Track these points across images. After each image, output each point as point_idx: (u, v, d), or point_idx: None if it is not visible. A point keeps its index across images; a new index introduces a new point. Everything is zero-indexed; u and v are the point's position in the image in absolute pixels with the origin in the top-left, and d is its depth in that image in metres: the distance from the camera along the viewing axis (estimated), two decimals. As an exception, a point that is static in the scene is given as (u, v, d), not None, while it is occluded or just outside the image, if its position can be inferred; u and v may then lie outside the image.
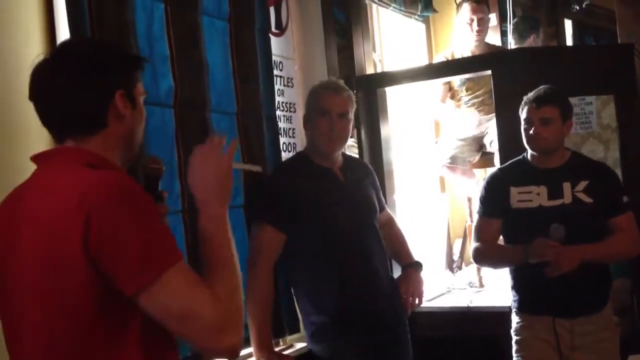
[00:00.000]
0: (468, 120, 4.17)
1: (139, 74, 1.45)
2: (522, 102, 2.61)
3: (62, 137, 1.39)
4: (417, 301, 2.67)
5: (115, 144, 1.40)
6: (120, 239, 1.21)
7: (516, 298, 2.66)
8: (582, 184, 2.54)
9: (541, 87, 2.61)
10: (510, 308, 2.72)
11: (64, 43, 1.46)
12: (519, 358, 2.61)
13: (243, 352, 2.53)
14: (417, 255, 2.84)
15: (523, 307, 2.63)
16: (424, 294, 2.73)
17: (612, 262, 2.65)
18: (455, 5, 4.65)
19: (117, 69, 1.40)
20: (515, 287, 2.66)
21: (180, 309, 1.24)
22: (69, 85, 1.35)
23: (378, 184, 2.74)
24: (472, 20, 4.19)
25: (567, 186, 2.55)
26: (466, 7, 4.21)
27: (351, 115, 2.53)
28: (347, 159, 2.67)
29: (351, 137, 2.75)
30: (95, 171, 1.30)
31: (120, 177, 1.29)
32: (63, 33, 2.02)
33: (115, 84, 1.38)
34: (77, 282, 1.23)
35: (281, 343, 2.81)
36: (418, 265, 2.72)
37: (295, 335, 2.78)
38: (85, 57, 1.37)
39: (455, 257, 4.33)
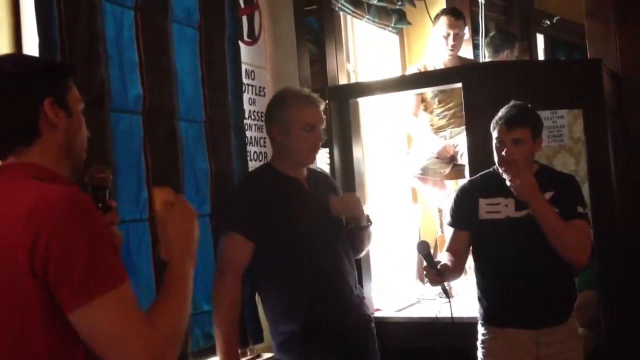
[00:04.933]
0: (436, 141, 4.20)
1: (70, 82, 1.45)
2: (494, 121, 2.58)
3: (2, 154, 1.40)
4: (345, 206, 2.54)
5: (55, 153, 1.41)
6: (66, 258, 1.22)
7: (482, 310, 2.67)
8: (547, 195, 2.56)
9: (512, 104, 2.59)
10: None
11: None
12: None
13: (209, 362, 2.52)
14: (387, 266, 2.84)
15: (488, 319, 2.64)
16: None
17: (554, 245, 2.48)
18: (428, 18, 4.69)
19: (42, 78, 1.40)
20: (481, 298, 2.68)
21: (108, 333, 1.25)
22: None
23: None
24: (448, 34, 4.19)
25: (532, 197, 2.57)
26: (443, 20, 4.20)
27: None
28: (310, 170, 2.66)
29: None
30: (44, 185, 1.30)
31: (71, 193, 1.29)
32: (31, 40, 1.99)
33: (43, 93, 1.38)
34: (25, 299, 1.24)
35: (248, 353, 2.79)
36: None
37: (263, 345, 2.77)
38: (7, 70, 1.39)
39: (426, 267, 4.33)
